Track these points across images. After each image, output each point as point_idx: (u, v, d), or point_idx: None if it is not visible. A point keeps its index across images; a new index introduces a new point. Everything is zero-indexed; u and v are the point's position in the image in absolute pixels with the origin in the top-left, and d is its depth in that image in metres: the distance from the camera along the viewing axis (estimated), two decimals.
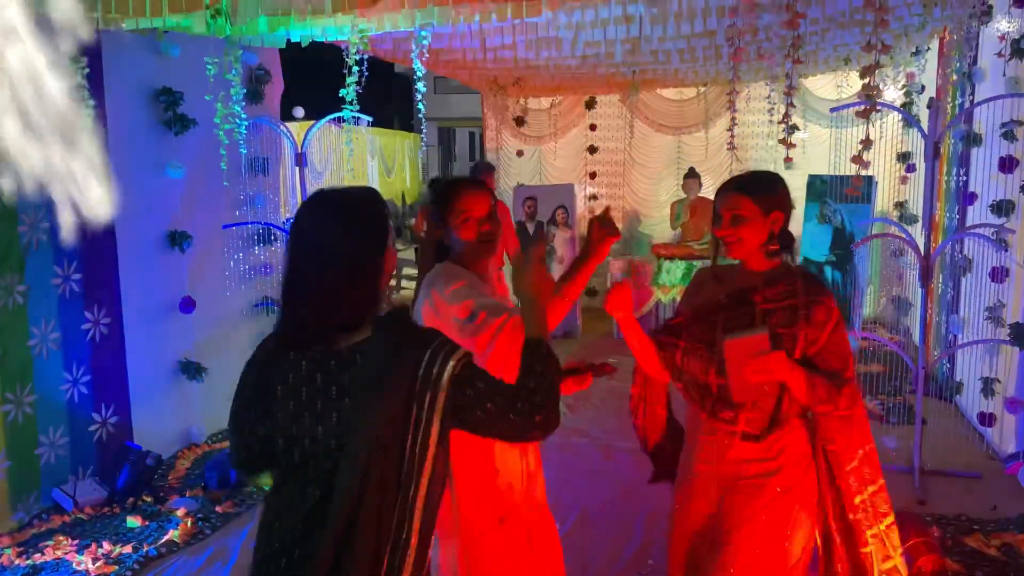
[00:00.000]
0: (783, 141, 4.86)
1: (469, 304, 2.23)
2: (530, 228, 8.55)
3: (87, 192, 0.60)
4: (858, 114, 4.16)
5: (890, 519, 2.39)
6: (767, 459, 2.28)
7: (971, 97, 5.55)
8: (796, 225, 8.23)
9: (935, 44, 6.58)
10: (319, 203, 1.65)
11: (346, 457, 1.52)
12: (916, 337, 5.29)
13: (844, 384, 2.22)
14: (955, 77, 5.83)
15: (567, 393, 2.41)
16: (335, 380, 1.56)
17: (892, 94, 7.15)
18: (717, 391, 2.30)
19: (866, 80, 4.13)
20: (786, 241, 2.35)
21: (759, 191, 2.30)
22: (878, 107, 4.25)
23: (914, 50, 6.47)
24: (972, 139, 5.38)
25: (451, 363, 1.52)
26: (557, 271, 8.38)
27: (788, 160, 4.95)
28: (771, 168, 8.48)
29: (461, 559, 2.37)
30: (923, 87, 7.07)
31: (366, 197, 1.67)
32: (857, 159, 4.28)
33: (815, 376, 2.20)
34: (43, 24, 0.58)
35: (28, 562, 3.75)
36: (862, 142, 4.22)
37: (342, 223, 1.60)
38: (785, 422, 2.28)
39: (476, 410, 1.52)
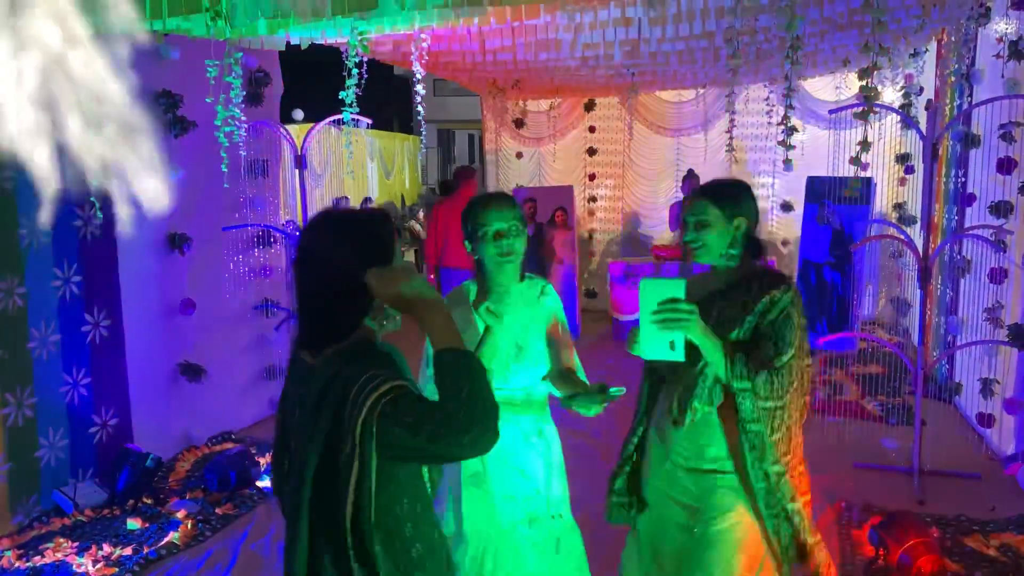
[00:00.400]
0: (782, 143, 4.87)
1: None
2: (529, 229, 8.56)
3: (145, 185, 0.65)
4: (856, 115, 4.17)
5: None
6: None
7: (969, 99, 5.56)
8: (795, 227, 8.26)
9: (933, 46, 6.60)
10: (322, 221, 1.66)
11: (293, 477, 1.55)
12: (915, 338, 5.29)
13: (766, 366, 2.21)
14: (953, 79, 5.84)
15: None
16: (308, 392, 1.57)
17: (891, 96, 7.16)
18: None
19: (864, 82, 4.14)
20: (754, 248, 2.42)
21: (723, 199, 2.38)
22: (875, 108, 4.26)
23: (912, 52, 6.48)
24: (970, 140, 5.38)
25: (368, 402, 1.43)
26: (557, 271, 8.39)
27: (787, 161, 4.95)
28: (770, 169, 8.53)
29: (487, 557, 2.45)
30: (921, 89, 7.08)
31: (369, 217, 1.66)
32: (855, 160, 4.30)
33: (736, 351, 2.23)
34: (101, 30, 0.62)
35: (28, 564, 3.75)
36: (860, 143, 4.23)
37: (339, 239, 1.60)
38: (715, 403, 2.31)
39: (410, 445, 1.43)
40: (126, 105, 0.64)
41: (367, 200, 10.53)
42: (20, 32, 0.58)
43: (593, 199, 9.97)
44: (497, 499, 2.45)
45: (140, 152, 0.65)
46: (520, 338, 2.49)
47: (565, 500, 2.62)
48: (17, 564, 3.76)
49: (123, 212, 0.66)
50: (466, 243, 2.47)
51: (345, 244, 1.58)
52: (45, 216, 0.64)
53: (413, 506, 1.58)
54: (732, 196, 2.40)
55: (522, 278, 2.53)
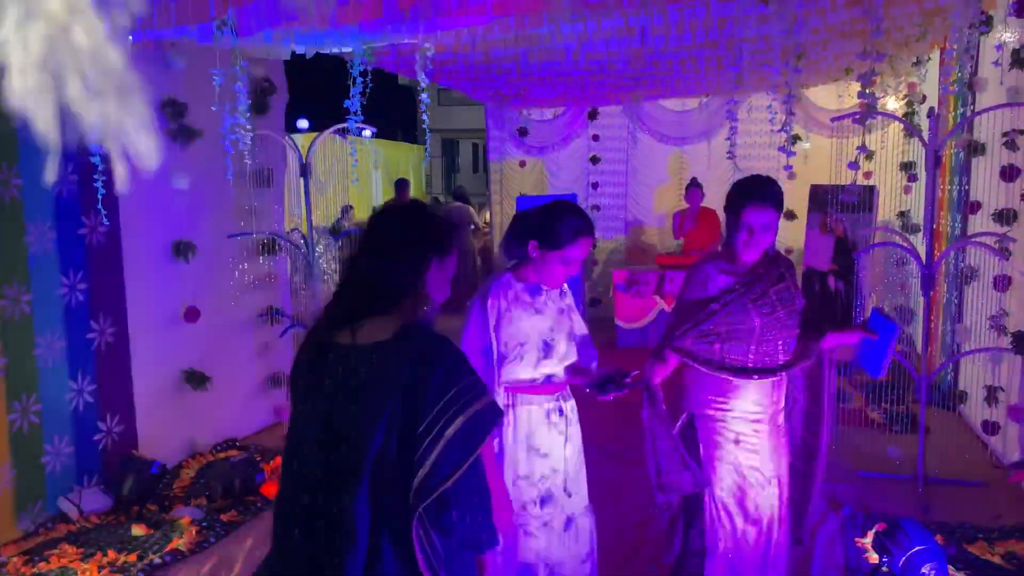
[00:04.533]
0: (783, 149, 4.88)
1: None
2: None
3: (138, 144, 0.71)
4: (855, 120, 4.18)
5: None
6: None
7: (972, 107, 5.57)
8: (799, 234, 8.26)
9: (936, 54, 6.61)
10: (390, 209, 1.83)
11: (354, 454, 1.58)
12: (919, 346, 5.29)
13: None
14: (955, 87, 5.85)
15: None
16: (354, 374, 1.63)
17: (894, 104, 7.17)
18: (754, 366, 2.74)
19: (865, 88, 4.16)
20: None
21: (780, 200, 2.73)
22: (874, 116, 4.28)
23: (915, 60, 6.49)
24: (974, 148, 5.39)
25: (470, 409, 1.59)
26: None
27: (788, 168, 4.96)
28: (773, 178, 8.52)
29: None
30: (924, 97, 7.09)
31: (434, 211, 1.86)
32: (852, 163, 4.32)
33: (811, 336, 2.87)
34: (103, 2, 0.71)
35: (34, 570, 3.75)
36: (859, 147, 4.25)
37: (405, 223, 1.75)
38: None
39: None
40: (123, 69, 0.70)
41: (347, 208, 10.61)
42: (28, 2, 0.65)
43: (596, 208, 9.99)
44: (512, 479, 2.58)
45: (134, 113, 0.71)
46: (547, 337, 2.66)
47: (582, 480, 2.78)
48: (23, 570, 3.76)
49: (120, 170, 0.71)
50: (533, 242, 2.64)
51: (412, 226, 1.74)
52: (50, 174, 0.72)
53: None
54: (782, 196, 2.76)
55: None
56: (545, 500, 2.63)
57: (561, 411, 2.70)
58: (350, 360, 1.63)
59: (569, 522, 2.68)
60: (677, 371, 2.90)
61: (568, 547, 2.67)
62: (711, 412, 2.84)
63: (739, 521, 2.82)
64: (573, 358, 2.77)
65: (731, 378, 2.76)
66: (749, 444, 2.81)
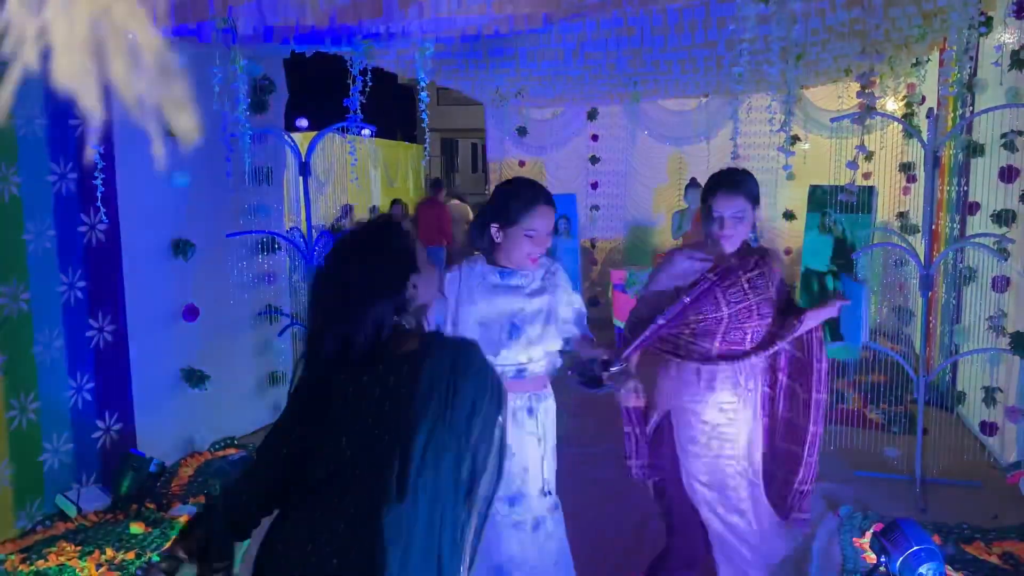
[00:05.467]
0: (781, 149, 4.88)
1: None
2: None
3: (178, 122, 0.74)
4: (854, 120, 4.19)
5: None
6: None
7: (971, 108, 5.58)
8: (798, 235, 8.27)
9: (935, 55, 6.62)
10: (341, 240, 1.72)
11: (400, 462, 1.56)
12: (918, 346, 5.29)
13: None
14: (955, 88, 5.86)
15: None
16: (382, 382, 1.60)
17: (894, 105, 7.18)
18: (717, 357, 2.77)
19: (863, 88, 4.16)
20: None
21: (752, 191, 2.73)
22: (873, 116, 4.28)
23: (914, 61, 6.50)
24: (973, 149, 5.40)
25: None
26: None
27: (787, 168, 4.96)
28: (772, 178, 8.54)
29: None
30: (924, 98, 7.10)
31: (383, 230, 1.72)
32: (850, 163, 4.33)
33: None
34: None
35: (31, 568, 3.75)
36: (857, 146, 4.26)
37: (358, 255, 1.67)
38: None
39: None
40: (162, 50, 0.72)
41: (347, 207, 10.63)
42: None
43: (596, 207, 9.99)
44: None
45: (174, 91, 0.73)
46: (516, 318, 2.58)
47: (553, 480, 2.69)
48: (20, 568, 3.76)
49: (158, 149, 0.73)
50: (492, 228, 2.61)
51: (366, 257, 1.66)
52: (89, 156, 0.76)
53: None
54: (755, 187, 2.76)
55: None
56: (515, 500, 2.55)
57: (531, 411, 2.61)
58: (376, 372, 1.60)
59: (539, 524, 2.62)
60: (651, 367, 2.90)
61: (538, 549, 2.60)
62: (686, 404, 2.83)
63: (722, 511, 2.82)
64: (550, 344, 2.68)
65: (699, 365, 2.78)
66: (725, 434, 2.80)
